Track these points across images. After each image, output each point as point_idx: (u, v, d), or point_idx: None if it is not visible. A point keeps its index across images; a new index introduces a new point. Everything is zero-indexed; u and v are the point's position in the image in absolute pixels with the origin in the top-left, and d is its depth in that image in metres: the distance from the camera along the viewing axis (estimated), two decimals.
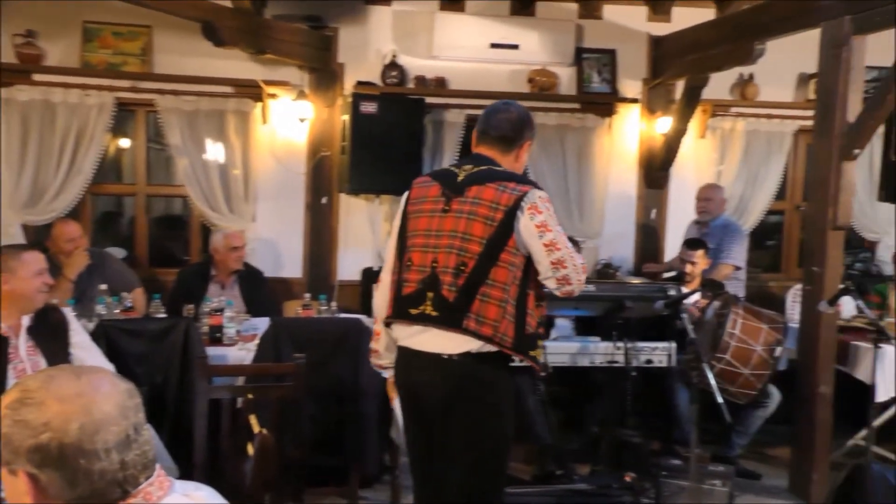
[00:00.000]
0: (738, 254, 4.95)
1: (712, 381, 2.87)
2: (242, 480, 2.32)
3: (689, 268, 4.60)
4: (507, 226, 2.22)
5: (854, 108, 3.65)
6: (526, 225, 2.23)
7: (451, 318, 2.25)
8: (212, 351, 3.75)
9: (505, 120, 2.41)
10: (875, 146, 4.74)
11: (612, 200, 5.88)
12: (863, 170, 5.80)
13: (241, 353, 3.77)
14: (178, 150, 5.21)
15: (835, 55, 3.64)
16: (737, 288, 4.93)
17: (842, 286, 3.33)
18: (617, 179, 5.87)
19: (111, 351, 3.23)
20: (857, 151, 3.66)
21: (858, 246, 6.43)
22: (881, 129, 3.96)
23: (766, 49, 4.45)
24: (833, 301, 3.36)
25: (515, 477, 3.99)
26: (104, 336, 3.31)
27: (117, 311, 3.93)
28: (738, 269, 4.95)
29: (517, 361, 2.44)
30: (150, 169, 5.64)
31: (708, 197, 5.15)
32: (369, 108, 4.93)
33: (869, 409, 3.15)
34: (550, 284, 2.29)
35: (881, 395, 4.15)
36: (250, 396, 2.47)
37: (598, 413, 4.35)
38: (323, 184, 5.54)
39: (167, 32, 5.12)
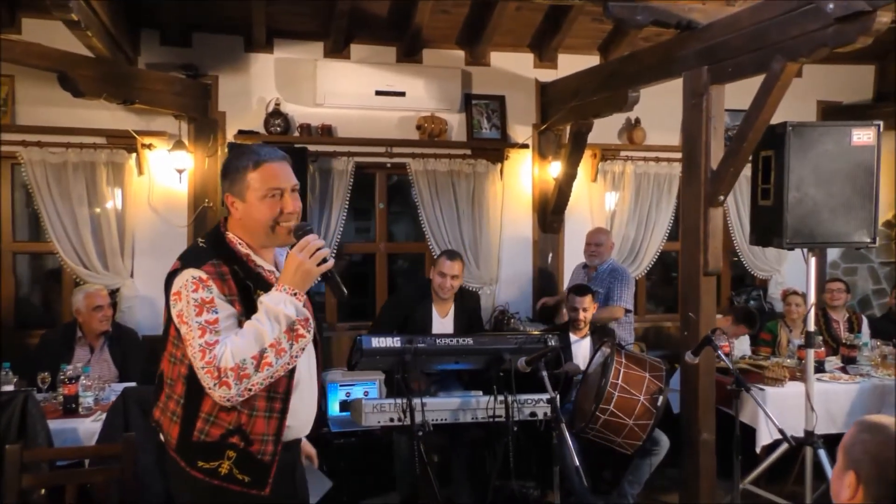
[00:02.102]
0: (628, 297, 4.97)
1: (570, 443, 2.78)
2: None
3: (580, 314, 4.57)
4: (168, 313, 1.94)
5: (717, 154, 3.70)
6: (174, 314, 1.90)
7: (152, 406, 2.07)
8: (62, 424, 3.51)
9: None
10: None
11: (508, 245, 5.88)
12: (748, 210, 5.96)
13: (95, 426, 3.52)
14: (46, 204, 4.93)
15: (695, 104, 3.70)
16: (626, 332, 4.93)
17: (705, 336, 3.32)
18: (511, 224, 5.88)
19: None
20: (721, 198, 3.70)
21: (750, 283, 6.59)
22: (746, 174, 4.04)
23: (639, 96, 4.53)
24: (697, 351, 3.35)
25: None
26: None
27: None
28: (628, 311, 4.97)
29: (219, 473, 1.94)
30: (25, 224, 5.33)
31: (598, 241, 5.16)
32: None
33: (734, 458, 3.11)
34: None
35: (763, 439, 4.20)
36: (43, 492, 2.24)
37: (486, 468, 4.22)
38: None
39: (30, 82, 4.87)
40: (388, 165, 5.62)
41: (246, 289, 1.93)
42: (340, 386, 5.21)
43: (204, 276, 1.87)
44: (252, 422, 1.93)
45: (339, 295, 1.94)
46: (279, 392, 1.95)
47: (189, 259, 1.94)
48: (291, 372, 1.96)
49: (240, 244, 2.00)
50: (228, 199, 2.01)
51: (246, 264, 1.98)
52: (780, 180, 3.69)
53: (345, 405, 5.06)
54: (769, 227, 3.86)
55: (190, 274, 1.88)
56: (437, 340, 3.80)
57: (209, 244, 2.00)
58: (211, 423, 1.92)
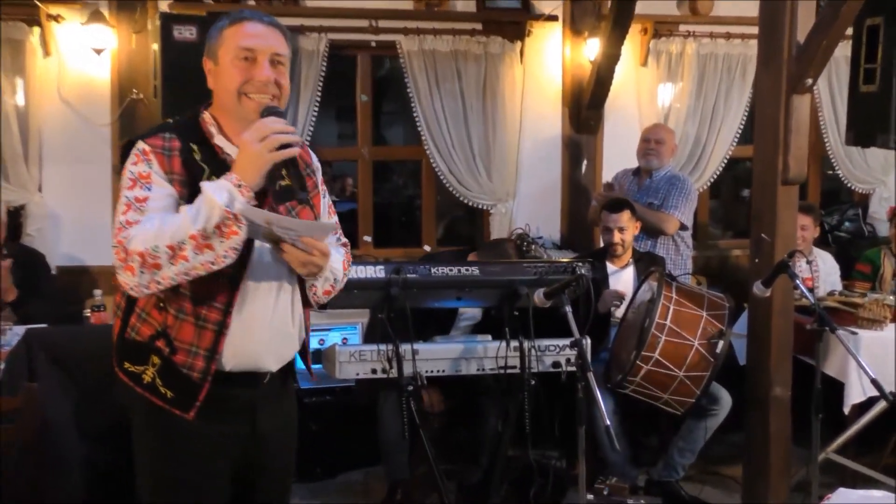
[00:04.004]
0: (687, 211, 4.92)
1: (598, 397, 2.75)
2: None
3: (616, 236, 4.51)
4: None
5: (805, 23, 3.57)
6: None
7: None
8: None
9: None
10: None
11: (530, 150, 5.84)
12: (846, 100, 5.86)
13: None
14: None
15: None
16: (678, 264, 4.88)
17: (780, 261, 3.27)
18: (535, 122, 5.83)
19: None
20: (809, 81, 3.59)
21: (847, 200, 6.51)
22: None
23: None
24: (770, 281, 3.30)
25: None
26: None
27: None
28: (683, 228, 4.91)
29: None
30: None
31: (660, 138, 5.10)
32: (186, 33, 4.63)
33: (813, 420, 3.09)
34: None
35: (854, 396, 4.19)
36: None
37: (490, 433, 4.25)
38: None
39: None
40: (373, 45, 5.54)
41: (198, 171, 2.09)
42: (313, 331, 5.21)
43: (147, 148, 2.07)
44: (178, 325, 2.11)
45: (297, 192, 2.07)
46: (216, 302, 2.10)
47: (145, 132, 2.15)
48: (235, 282, 2.11)
49: (211, 125, 2.18)
50: (206, 65, 2.22)
51: (211, 148, 2.15)
52: (890, 58, 3.62)
53: (318, 356, 5.09)
54: (873, 120, 3.80)
55: (139, 146, 2.08)
56: (433, 269, 3.77)
57: (177, 119, 2.23)
58: (143, 319, 2.15)
